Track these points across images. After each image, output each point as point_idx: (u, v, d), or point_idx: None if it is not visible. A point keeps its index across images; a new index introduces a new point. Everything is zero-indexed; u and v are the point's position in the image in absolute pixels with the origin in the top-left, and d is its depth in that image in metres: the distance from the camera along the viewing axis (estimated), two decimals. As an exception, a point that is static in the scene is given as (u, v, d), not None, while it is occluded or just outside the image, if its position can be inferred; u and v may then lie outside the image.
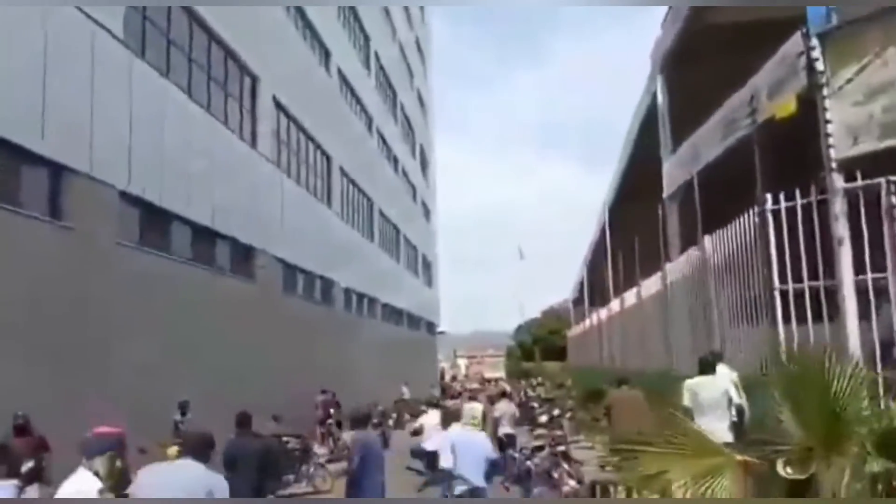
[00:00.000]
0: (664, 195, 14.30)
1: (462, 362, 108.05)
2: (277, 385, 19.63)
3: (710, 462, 3.61)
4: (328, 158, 28.37)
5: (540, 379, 43.44)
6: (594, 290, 31.13)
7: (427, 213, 56.88)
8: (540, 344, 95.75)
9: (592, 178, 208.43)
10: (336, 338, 27.53)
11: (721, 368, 7.89)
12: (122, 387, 12.60)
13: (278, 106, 22.69)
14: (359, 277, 31.90)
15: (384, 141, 40.39)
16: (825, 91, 7.39)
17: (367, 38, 36.81)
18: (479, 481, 7.39)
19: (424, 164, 56.32)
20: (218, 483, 4.69)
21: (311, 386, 22.37)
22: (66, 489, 4.94)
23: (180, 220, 16.16)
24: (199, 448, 4.86)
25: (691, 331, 13.37)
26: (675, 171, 13.30)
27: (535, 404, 19.95)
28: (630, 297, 19.04)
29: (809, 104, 7.55)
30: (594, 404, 15.36)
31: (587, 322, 32.57)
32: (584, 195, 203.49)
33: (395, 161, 43.78)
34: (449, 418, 9.70)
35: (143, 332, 14.00)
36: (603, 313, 25.19)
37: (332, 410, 21.40)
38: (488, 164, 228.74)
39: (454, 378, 70.90)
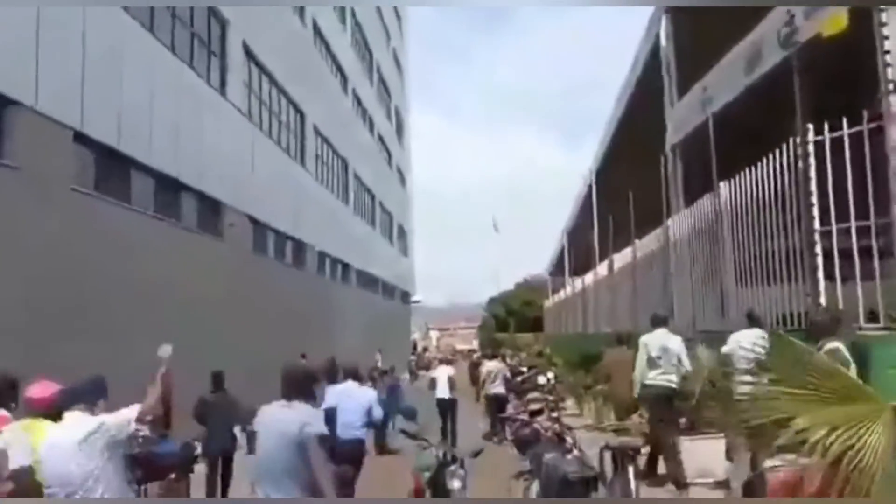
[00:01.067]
0: (667, 146, 13.33)
1: (434, 334, 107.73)
2: (247, 348, 18.57)
3: (861, 409, 2.72)
4: (302, 115, 27.03)
5: (511, 352, 42.89)
6: (577, 258, 30.23)
7: (402, 179, 55.62)
8: (514, 316, 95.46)
9: (570, 150, 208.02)
10: (308, 302, 26.43)
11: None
12: (74, 347, 11.43)
13: (249, 54, 21.31)
14: (332, 241, 30.74)
15: (359, 102, 38.99)
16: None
17: (341, -8, 35.30)
18: (358, 432, 8.13)
19: (400, 130, 54.96)
20: (315, 418, 4.86)
21: (282, 350, 21.35)
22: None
23: (142, 168, 14.89)
24: (304, 387, 5.00)
25: (692, 291, 12.54)
26: (682, 117, 12.32)
27: (524, 369, 19.10)
28: (621, 258, 18.17)
29: (861, 17, 6.59)
30: (583, 370, 14.55)
31: (567, 290, 31.80)
32: (560, 166, 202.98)
33: (371, 123, 42.42)
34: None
35: (100, 288, 12.81)
36: (587, 278, 24.33)
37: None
38: (464, 134, 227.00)
39: (425, 349, 70.44)
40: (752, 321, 7.96)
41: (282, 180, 24.08)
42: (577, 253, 30.28)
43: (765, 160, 8.19)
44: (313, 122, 28.15)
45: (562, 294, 33.75)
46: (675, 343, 8.96)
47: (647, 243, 15.10)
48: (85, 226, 12.53)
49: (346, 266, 34.05)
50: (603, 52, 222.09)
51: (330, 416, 7.53)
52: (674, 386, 8.78)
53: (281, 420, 4.67)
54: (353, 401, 8.26)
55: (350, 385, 8.65)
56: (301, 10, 27.29)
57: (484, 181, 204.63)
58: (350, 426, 8.07)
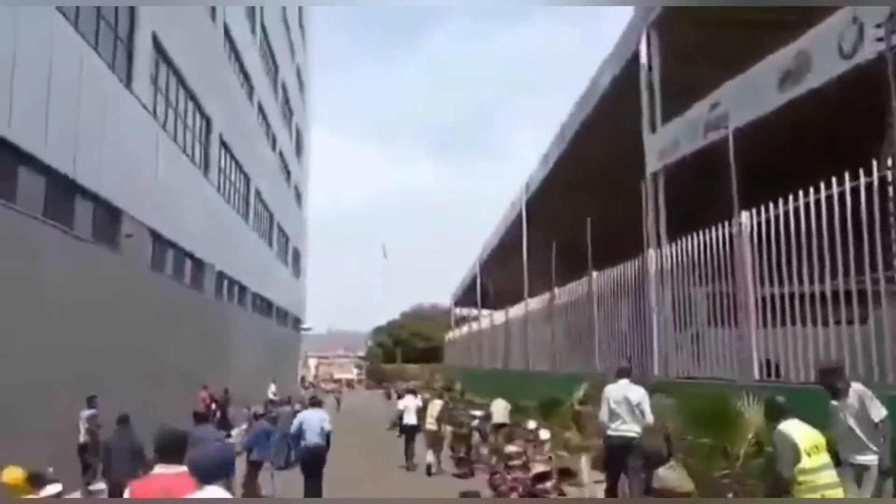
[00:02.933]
0: (647, 171, 12.31)
1: (312, 361, 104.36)
2: (140, 372, 16.20)
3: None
4: (208, 121, 24.67)
5: (412, 383, 41.19)
6: (491, 290, 29.12)
7: (299, 199, 53.15)
8: (402, 345, 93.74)
9: (463, 179, 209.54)
10: (205, 327, 23.91)
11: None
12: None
13: (157, 46, 18.96)
14: (231, 261, 28.23)
15: (264, 116, 36.67)
16: None
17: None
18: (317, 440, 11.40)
19: (300, 148, 52.64)
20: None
21: (176, 377, 18.98)
22: None
23: (33, 162, 12.43)
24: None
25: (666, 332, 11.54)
26: (671, 141, 11.34)
27: (476, 413, 17.45)
28: (565, 293, 17.08)
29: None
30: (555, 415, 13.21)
31: (480, 323, 30.60)
32: (450, 195, 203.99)
33: (274, 139, 40.07)
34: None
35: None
36: (514, 311, 23.14)
37: (212, 407, 18.64)
38: (358, 156, 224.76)
39: (303, 378, 67.43)
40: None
41: (185, 190, 21.66)
42: (494, 284, 29.24)
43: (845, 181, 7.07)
44: (219, 131, 25.80)
45: (474, 326, 32.50)
46: (637, 394, 9.02)
47: (606, 279, 14.06)
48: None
49: (243, 288, 31.49)
50: (512, 71, 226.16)
51: None
52: (633, 435, 8.72)
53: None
54: None
55: None
56: (213, 9, 25.07)
57: (374, 204, 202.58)
58: None
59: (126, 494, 4.16)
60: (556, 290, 17.65)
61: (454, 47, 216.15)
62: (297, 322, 52.89)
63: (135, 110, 17.20)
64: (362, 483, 13.10)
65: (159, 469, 4.23)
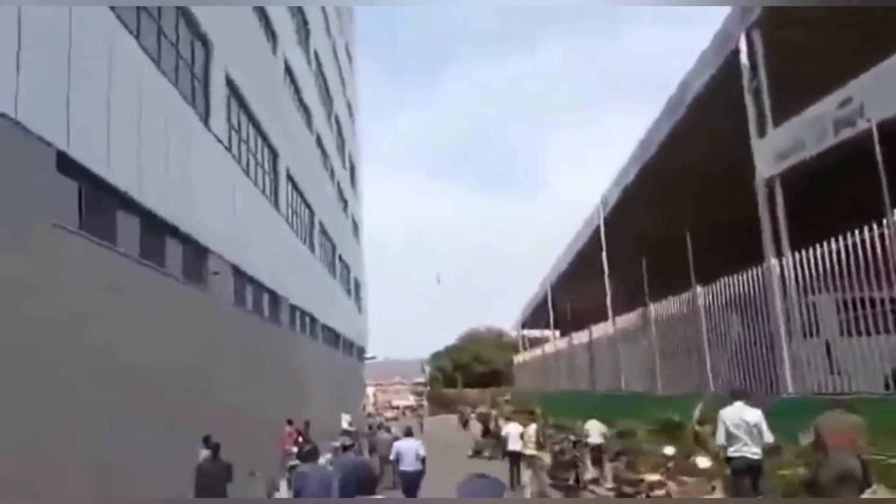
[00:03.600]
0: (759, 178, 11.64)
1: (370, 390, 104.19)
2: (229, 408, 16.03)
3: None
4: (275, 155, 24.68)
5: (481, 408, 40.50)
6: (568, 310, 28.39)
7: (356, 230, 53.28)
8: (462, 370, 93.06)
9: (506, 207, 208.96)
10: (284, 359, 23.76)
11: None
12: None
13: (229, 83, 18.99)
14: (303, 293, 28.12)
15: (322, 147, 36.80)
16: None
17: (307, 30, 33.40)
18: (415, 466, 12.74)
19: (354, 179, 52.85)
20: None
21: (259, 409, 18.84)
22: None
23: (126, 203, 12.32)
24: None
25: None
26: (789, 143, 10.69)
27: (572, 437, 16.76)
28: (661, 309, 16.37)
29: None
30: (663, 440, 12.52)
31: (554, 345, 29.89)
32: (492, 223, 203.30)
33: (332, 170, 40.20)
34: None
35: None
36: (597, 331, 22.41)
37: (299, 440, 18.35)
38: (408, 184, 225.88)
39: (364, 407, 67.24)
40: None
41: (260, 225, 21.61)
42: (567, 305, 28.53)
43: None
44: (286, 164, 25.82)
45: (548, 348, 31.78)
46: (754, 416, 9.03)
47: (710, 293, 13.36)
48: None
49: (313, 320, 31.37)
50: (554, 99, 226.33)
51: None
52: (755, 458, 8.79)
53: None
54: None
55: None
56: (273, 42, 25.19)
57: (425, 233, 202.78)
58: None
59: None
60: (652, 306, 16.94)
61: (485, 74, 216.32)
62: (361, 352, 52.74)
63: (213, 147, 17.17)
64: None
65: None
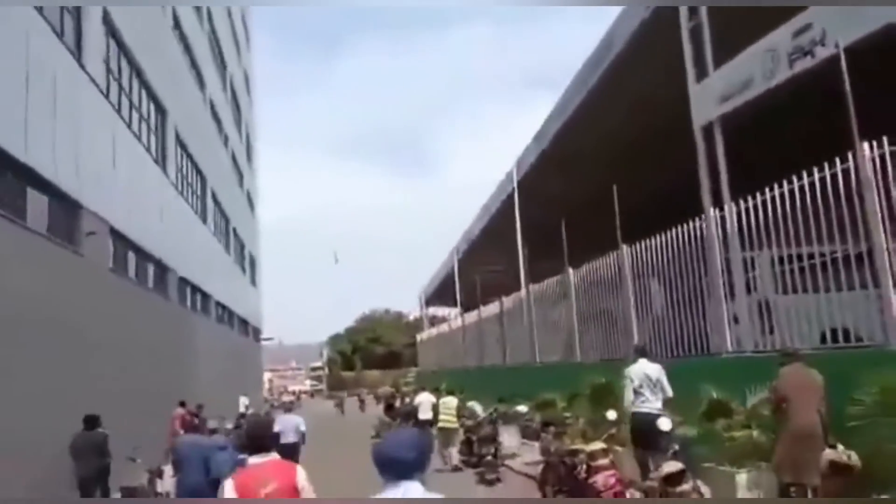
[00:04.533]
0: (697, 124, 10.84)
1: (266, 376, 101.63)
2: (108, 382, 14.20)
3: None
4: (163, 113, 22.47)
5: (384, 388, 39.35)
6: (478, 284, 27.38)
7: (252, 205, 50.68)
8: (360, 352, 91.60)
9: (411, 187, 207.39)
10: (173, 336, 21.76)
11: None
12: None
13: (107, 22, 16.82)
14: (194, 267, 26.00)
15: (215, 114, 34.37)
16: None
17: (199, -13, 30.90)
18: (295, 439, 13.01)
19: (250, 153, 50.18)
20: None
21: (145, 389, 16.98)
22: None
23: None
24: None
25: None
26: (733, 83, 9.88)
27: (520, 408, 15.99)
28: (581, 274, 15.56)
29: None
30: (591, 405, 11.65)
31: (463, 320, 28.91)
32: (394, 200, 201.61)
33: (226, 139, 37.76)
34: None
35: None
36: (508, 302, 21.48)
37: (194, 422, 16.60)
38: (305, 167, 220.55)
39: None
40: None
41: (146, 188, 19.53)
42: (476, 278, 27.63)
43: None
44: (174, 123, 23.60)
45: (455, 324, 30.79)
46: (655, 371, 9.23)
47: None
48: None
49: (206, 296, 29.22)
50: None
51: None
52: (656, 412, 8.77)
53: None
54: None
55: None
56: (161, -8, 22.91)
57: (324, 214, 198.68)
58: None
59: (228, 487, 4.12)
60: (571, 271, 16.11)
61: (390, 48, 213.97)
62: (257, 332, 50.40)
63: (87, 88, 15.08)
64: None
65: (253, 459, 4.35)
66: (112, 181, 16.31)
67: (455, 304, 32.65)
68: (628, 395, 9.23)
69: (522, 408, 15.87)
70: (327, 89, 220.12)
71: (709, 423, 8.81)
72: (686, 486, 6.19)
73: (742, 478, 7.94)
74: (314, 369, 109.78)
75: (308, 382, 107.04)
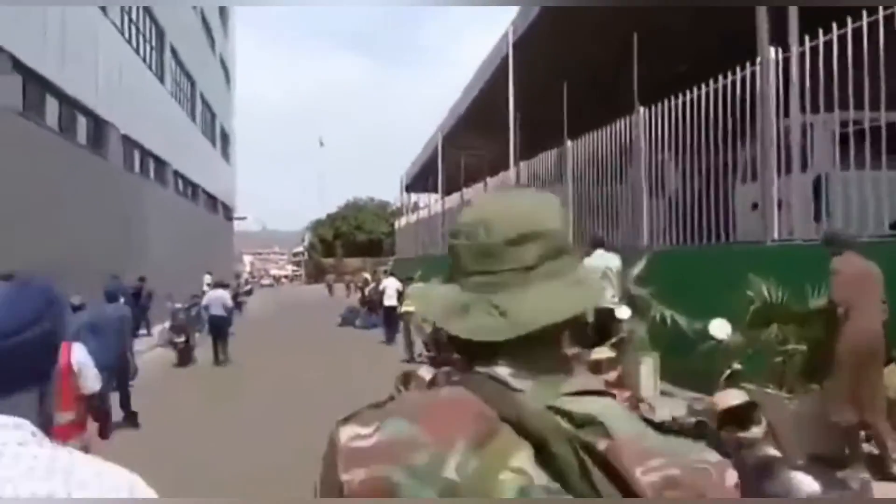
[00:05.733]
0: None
1: (247, 258, 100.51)
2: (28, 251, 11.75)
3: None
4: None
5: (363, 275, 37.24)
6: (456, 170, 24.71)
7: (227, 77, 46.93)
8: (342, 239, 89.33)
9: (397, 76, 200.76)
10: (114, 204, 19.18)
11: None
12: None
13: None
14: (144, 128, 23.06)
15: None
16: None
17: None
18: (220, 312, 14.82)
19: (224, 15, 45.96)
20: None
21: (89, 262, 14.56)
22: None
23: None
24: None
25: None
26: None
27: None
28: (583, 145, 12.99)
29: None
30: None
31: (443, 205, 26.47)
32: (383, 91, 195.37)
33: (195, -6, 33.86)
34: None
35: None
36: (492, 183, 19.01)
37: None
38: (287, 54, 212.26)
39: (238, 275, 63.64)
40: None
41: (73, 20, 16.42)
42: (454, 161, 24.95)
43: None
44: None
45: (435, 208, 28.34)
46: (615, 262, 9.18)
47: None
48: None
49: (161, 163, 26.40)
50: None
51: None
52: (612, 307, 8.14)
53: None
54: None
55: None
56: None
57: (305, 102, 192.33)
58: None
59: None
60: (570, 143, 13.54)
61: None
62: (229, 211, 47.74)
63: None
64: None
65: None
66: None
67: (437, 191, 30.10)
68: (607, 293, 8.42)
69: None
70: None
71: (754, 330, 6.50)
72: (757, 431, 3.91)
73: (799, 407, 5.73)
74: (296, 255, 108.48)
75: (290, 268, 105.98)
